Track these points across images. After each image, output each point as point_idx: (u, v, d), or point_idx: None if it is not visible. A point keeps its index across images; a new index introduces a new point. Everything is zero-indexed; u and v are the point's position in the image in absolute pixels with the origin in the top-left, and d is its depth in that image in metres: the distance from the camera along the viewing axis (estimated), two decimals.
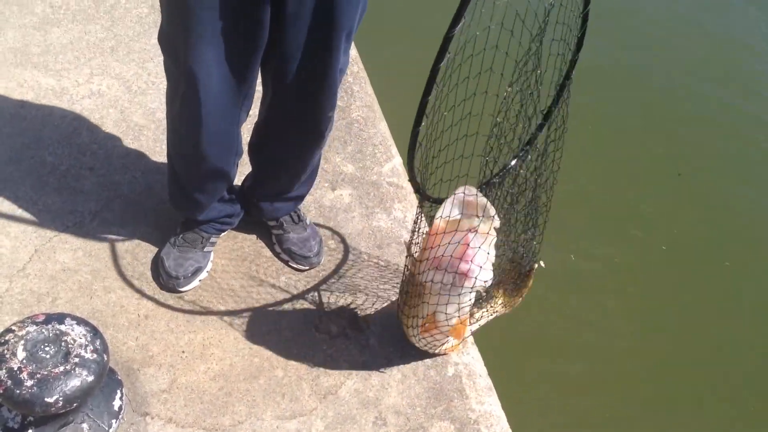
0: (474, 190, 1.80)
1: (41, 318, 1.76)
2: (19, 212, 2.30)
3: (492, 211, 1.80)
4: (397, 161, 2.82)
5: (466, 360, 2.18)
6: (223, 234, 2.34)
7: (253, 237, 2.40)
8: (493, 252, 1.82)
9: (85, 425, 1.78)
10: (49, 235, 2.26)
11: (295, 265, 2.34)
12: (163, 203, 2.42)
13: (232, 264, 2.31)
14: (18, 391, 1.62)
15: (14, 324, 1.74)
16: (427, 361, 2.16)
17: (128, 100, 2.75)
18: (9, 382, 1.63)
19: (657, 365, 2.97)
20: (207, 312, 2.16)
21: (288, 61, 1.83)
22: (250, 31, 1.75)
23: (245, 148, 2.22)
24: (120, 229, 2.33)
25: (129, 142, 2.60)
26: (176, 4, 1.72)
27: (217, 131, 1.93)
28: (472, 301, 1.94)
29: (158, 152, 2.58)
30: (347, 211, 2.55)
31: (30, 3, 3.07)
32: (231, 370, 2.04)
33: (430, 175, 1.74)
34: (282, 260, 2.36)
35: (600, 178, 3.70)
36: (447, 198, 1.82)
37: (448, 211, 1.81)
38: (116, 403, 1.85)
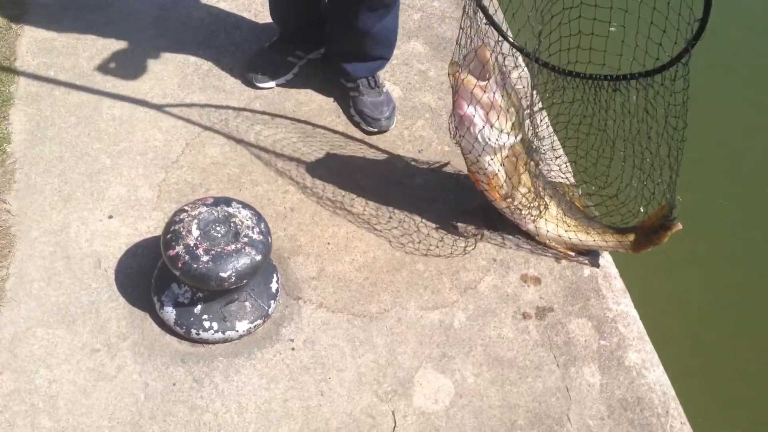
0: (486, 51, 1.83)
1: (210, 200, 1.87)
2: (169, 108, 2.41)
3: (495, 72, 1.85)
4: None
5: (601, 262, 2.20)
6: (310, 55, 2.60)
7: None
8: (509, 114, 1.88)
9: (248, 303, 1.89)
10: (198, 131, 2.36)
11: (366, 128, 2.47)
12: (301, 105, 2.50)
13: (370, 165, 2.37)
14: (195, 266, 1.74)
15: (186, 205, 1.85)
16: (563, 262, 2.19)
17: (261, 3, 2.80)
18: (186, 257, 1.74)
19: None
20: (349, 207, 2.23)
21: None
22: None
23: None
24: (263, 127, 2.41)
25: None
26: None
27: None
28: (498, 154, 1.96)
29: None
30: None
31: None
32: (374, 263, 2.12)
33: None
34: (354, 122, 2.49)
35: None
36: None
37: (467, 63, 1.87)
38: (273, 286, 1.96)
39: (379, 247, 2.16)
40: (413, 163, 2.40)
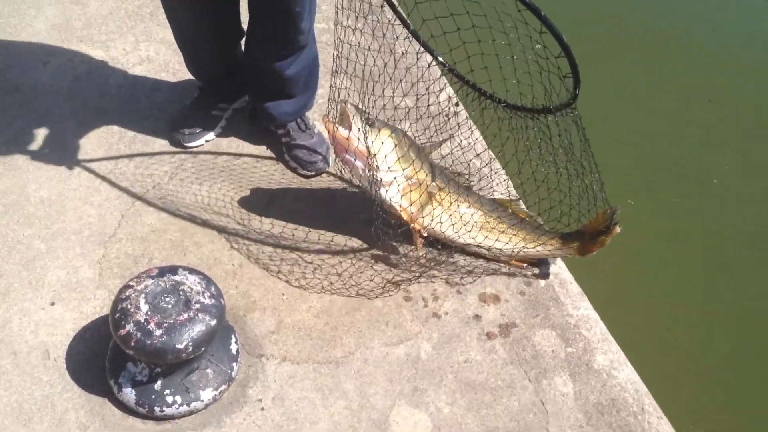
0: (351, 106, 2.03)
1: (155, 271, 1.81)
2: (98, 182, 2.34)
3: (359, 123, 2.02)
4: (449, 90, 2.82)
5: (554, 270, 2.22)
6: (234, 105, 2.58)
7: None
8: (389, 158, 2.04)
9: (209, 370, 1.84)
10: (132, 200, 2.30)
11: (303, 172, 2.46)
12: (233, 159, 2.47)
13: (313, 208, 2.34)
14: (149, 342, 1.68)
15: (131, 279, 1.79)
16: (518, 277, 2.20)
17: (178, 62, 2.76)
18: (138, 335, 1.68)
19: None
20: (299, 254, 2.20)
21: None
22: None
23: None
24: (198, 186, 2.36)
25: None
26: None
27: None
28: (392, 187, 2.06)
29: None
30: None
31: None
32: (332, 306, 2.09)
33: None
34: (291, 168, 2.48)
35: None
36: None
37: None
38: (233, 347, 1.91)
39: (334, 290, 2.13)
40: (355, 200, 2.38)
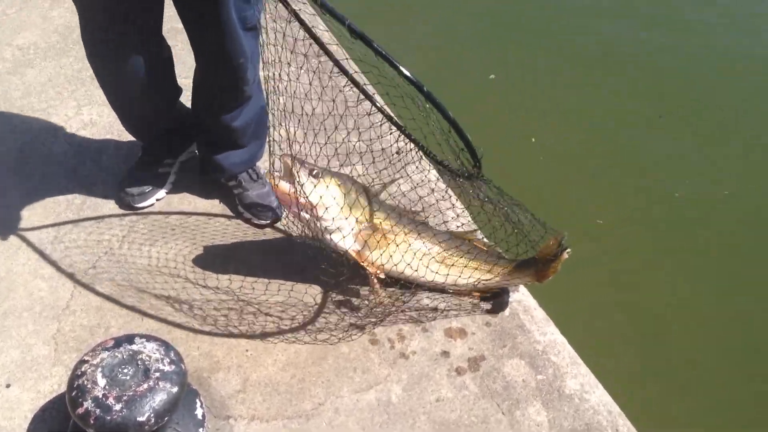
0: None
1: (111, 343, 1.76)
2: (48, 253, 2.29)
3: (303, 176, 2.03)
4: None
5: (518, 297, 2.21)
6: (181, 158, 2.56)
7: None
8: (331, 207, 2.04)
9: None
10: (84, 269, 2.25)
11: (258, 222, 2.43)
12: (185, 216, 2.43)
13: (272, 258, 2.31)
14: (109, 418, 1.62)
15: (86, 354, 1.74)
16: (482, 306, 2.19)
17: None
18: (97, 411, 1.63)
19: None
20: (260, 307, 2.16)
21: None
22: None
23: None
24: (151, 248, 2.32)
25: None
26: None
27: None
28: (342, 232, 2.07)
29: None
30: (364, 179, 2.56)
31: None
32: (298, 357, 2.05)
33: None
34: (245, 219, 2.45)
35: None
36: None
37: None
38: (198, 412, 1.86)
39: (298, 339, 2.10)
40: (311, 246, 2.35)
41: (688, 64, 4.33)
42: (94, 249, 2.31)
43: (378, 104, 1.83)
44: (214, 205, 2.49)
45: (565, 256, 2.04)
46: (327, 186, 2.05)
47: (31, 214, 2.40)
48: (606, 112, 3.90)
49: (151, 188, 2.47)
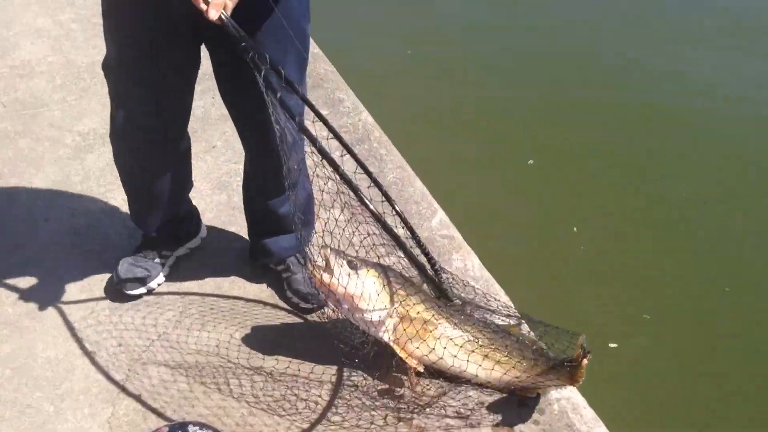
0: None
1: (165, 430, 1.82)
2: (104, 336, 2.36)
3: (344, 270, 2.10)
4: (442, 214, 2.91)
5: (566, 395, 2.22)
6: (178, 252, 2.62)
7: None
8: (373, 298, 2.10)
9: None
10: (139, 351, 2.32)
11: (304, 305, 2.47)
12: (235, 300, 2.50)
13: (311, 343, 2.36)
14: None
15: None
16: (529, 404, 2.19)
17: None
18: None
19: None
20: (304, 391, 2.20)
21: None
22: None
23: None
24: (202, 331, 2.39)
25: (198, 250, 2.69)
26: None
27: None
28: (383, 326, 2.13)
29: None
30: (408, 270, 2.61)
31: (60, 137, 3.20)
32: None
33: None
34: (292, 304, 2.49)
35: None
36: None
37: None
38: None
39: (342, 427, 2.13)
40: (358, 333, 2.40)
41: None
42: (148, 332, 2.38)
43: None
44: (263, 290, 2.56)
45: (585, 362, 2.04)
46: (365, 277, 2.12)
47: (89, 296, 2.50)
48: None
49: (144, 276, 2.50)
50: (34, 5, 4.11)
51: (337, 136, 2.04)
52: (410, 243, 2.15)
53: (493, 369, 2.14)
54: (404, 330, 2.12)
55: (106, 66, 2.20)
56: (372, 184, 2.09)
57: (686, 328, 3.18)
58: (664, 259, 3.55)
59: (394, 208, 2.12)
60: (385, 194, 2.12)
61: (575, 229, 3.71)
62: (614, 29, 5.48)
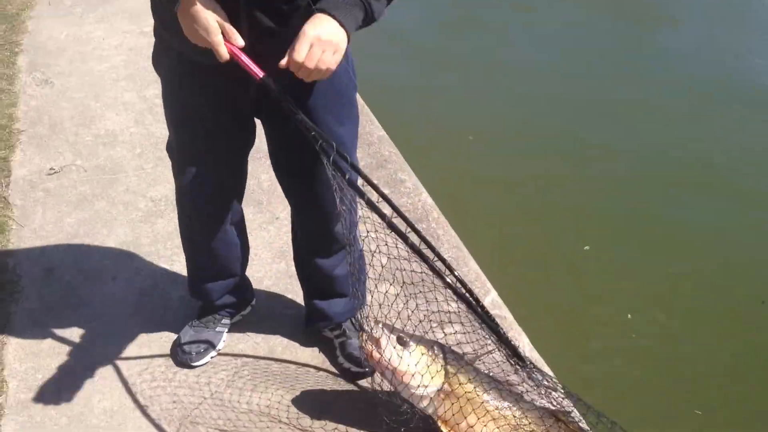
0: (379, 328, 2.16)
1: None
2: (158, 392, 2.43)
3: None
4: (494, 294, 2.92)
5: None
6: (234, 320, 2.69)
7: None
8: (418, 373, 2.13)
9: None
10: (190, 409, 2.37)
11: (356, 369, 2.47)
12: (287, 364, 2.55)
13: (361, 410, 2.37)
14: None
15: None
16: None
17: None
18: None
19: None
20: None
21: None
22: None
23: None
24: (253, 393, 2.43)
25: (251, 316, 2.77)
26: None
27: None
28: (430, 399, 2.15)
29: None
30: (458, 347, 2.62)
31: (134, 201, 3.37)
32: None
33: None
34: (343, 369, 2.50)
35: None
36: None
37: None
38: None
39: None
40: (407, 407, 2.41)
41: None
42: (200, 390, 2.44)
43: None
44: (315, 356, 2.59)
45: None
46: (417, 355, 2.15)
47: (147, 354, 2.58)
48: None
49: (206, 346, 2.57)
50: (122, 81, 4.41)
51: (400, 215, 2.08)
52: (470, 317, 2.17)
53: None
54: (450, 406, 2.13)
55: (169, 147, 2.34)
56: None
57: None
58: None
59: (459, 280, 2.11)
60: (448, 266, 2.12)
61: (587, 247, 3.74)
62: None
